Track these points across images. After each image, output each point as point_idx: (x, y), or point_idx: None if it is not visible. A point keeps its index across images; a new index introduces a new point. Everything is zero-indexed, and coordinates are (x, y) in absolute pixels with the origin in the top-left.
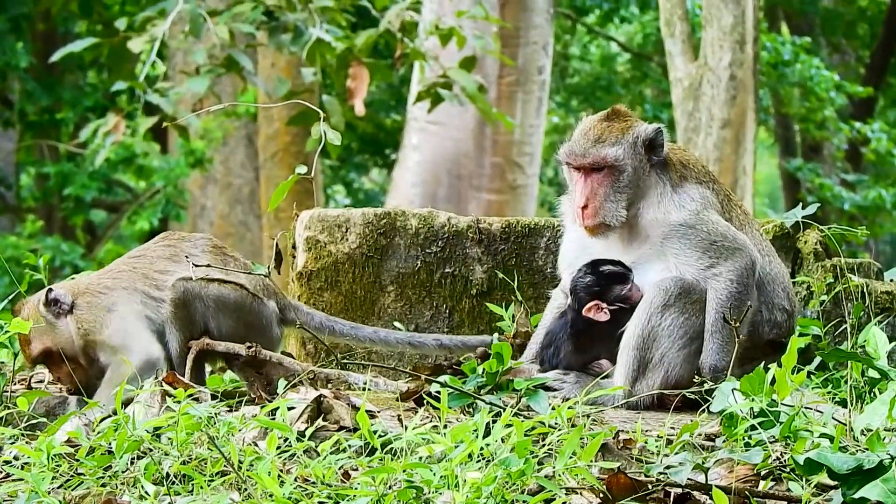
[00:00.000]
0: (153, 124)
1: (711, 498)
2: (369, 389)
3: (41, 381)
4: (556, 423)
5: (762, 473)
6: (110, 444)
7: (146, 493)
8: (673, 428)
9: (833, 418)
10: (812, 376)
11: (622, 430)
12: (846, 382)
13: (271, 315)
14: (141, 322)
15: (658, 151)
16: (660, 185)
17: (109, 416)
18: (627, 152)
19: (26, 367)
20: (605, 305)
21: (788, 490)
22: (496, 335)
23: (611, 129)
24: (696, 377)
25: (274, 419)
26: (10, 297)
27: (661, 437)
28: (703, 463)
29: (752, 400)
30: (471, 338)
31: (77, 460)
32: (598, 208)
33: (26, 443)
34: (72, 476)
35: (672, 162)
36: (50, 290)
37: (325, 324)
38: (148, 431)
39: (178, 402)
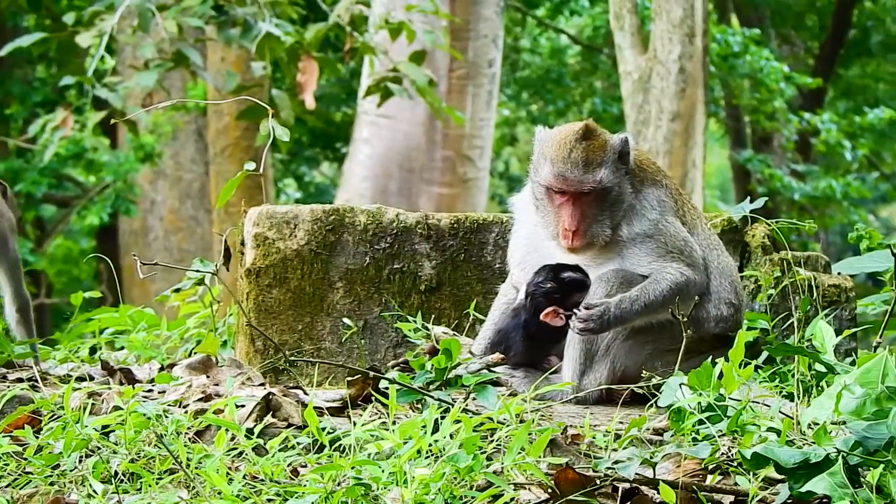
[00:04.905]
0: (102, 119)
1: (659, 493)
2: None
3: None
4: (504, 419)
5: (710, 468)
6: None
7: (94, 491)
8: (621, 423)
9: (780, 412)
10: (759, 370)
11: (570, 426)
12: (793, 376)
13: None
14: None
15: (626, 160)
16: (627, 194)
17: None
18: (612, 171)
19: None
20: (562, 311)
21: (736, 484)
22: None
23: (593, 150)
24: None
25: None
26: None
27: (610, 432)
28: (651, 458)
29: (700, 394)
30: None
31: (25, 459)
32: (587, 230)
33: None
34: (19, 475)
35: (631, 167)
36: None
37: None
38: (96, 430)
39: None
